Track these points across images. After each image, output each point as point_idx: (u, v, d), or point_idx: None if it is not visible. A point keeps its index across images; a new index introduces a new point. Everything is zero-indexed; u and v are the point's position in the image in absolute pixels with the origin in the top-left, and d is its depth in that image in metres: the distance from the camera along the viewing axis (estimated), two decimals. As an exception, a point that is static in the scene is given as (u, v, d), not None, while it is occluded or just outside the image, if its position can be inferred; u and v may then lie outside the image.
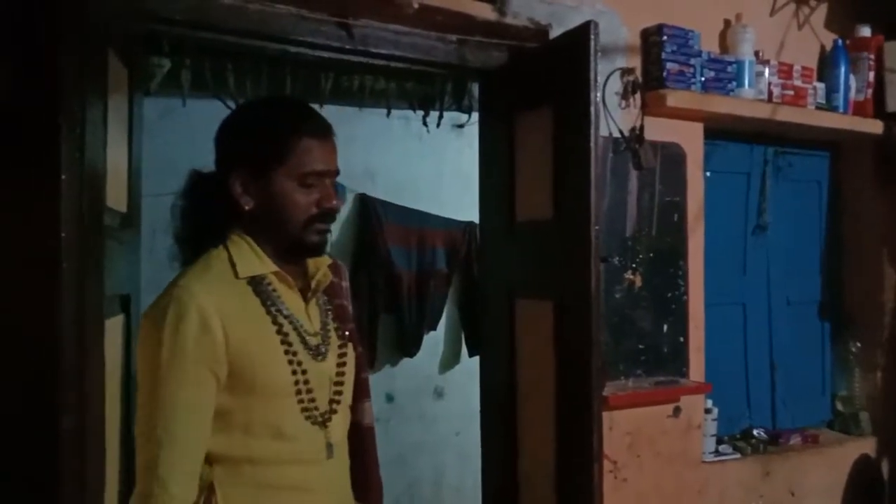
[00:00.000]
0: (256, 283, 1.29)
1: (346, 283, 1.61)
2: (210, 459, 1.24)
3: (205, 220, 1.33)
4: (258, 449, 1.26)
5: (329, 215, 1.33)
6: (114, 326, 1.73)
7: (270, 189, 1.29)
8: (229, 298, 1.25)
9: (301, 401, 1.29)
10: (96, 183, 1.54)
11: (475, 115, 2.82)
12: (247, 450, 1.25)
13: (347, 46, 2.09)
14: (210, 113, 3.31)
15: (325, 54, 2.14)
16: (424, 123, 2.97)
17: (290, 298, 1.33)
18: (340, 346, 1.41)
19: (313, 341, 1.34)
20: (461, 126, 3.59)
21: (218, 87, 2.47)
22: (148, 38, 2.14)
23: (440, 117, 2.98)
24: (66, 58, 1.40)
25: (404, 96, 2.86)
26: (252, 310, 1.27)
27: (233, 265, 1.29)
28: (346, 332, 1.44)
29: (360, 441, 1.44)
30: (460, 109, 3.01)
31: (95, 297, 1.54)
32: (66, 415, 1.39)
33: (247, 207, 1.30)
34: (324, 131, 1.33)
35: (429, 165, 3.90)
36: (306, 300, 1.37)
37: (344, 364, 1.39)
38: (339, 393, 1.37)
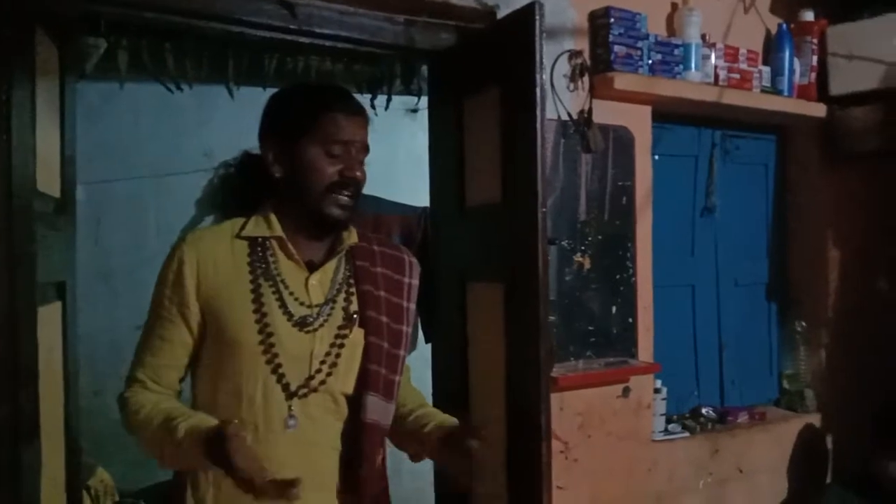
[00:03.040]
0: (255, 245, 1.36)
1: (409, 280, 1.54)
2: None
3: (251, 195, 1.43)
4: (223, 408, 1.31)
5: (350, 185, 1.37)
6: (49, 313, 1.69)
7: (298, 156, 1.35)
8: (217, 251, 1.35)
9: (269, 361, 1.31)
10: (25, 166, 1.49)
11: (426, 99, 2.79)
12: (214, 410, 1.31)
13: (291, 26, 2.06)
14: (154, 98, 3.24)
15: (268, 34, 2.10)
16: (372, 106, 2.94)
17: (286, 266, 1.37)
18: (341, 328, 1.38)
19: (299, 311, 1.35)
20: (415, 111, 3.56)
21: (157, 69, 2.40)
22: (82, 17, 2.07)
23: (388, 100, 2.95)
24: (-10, 34, 1.35)
25: (352, 78, 2.82)
26: (237, 266, 1.35)
27: (242, 227, 1.38)
28: (354, 315, 1.40)
29: (355, 435, 1.39)
30: (410, 92, 2.97)
31: (27, 283, 1.49)
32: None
33: (276, 175, 1.37)
34: (353, 109, 1.40)
35: (382, 150, 3.78)
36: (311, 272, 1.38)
37: (341, 346, 1.37)
38: (326, 373, 1.35)
